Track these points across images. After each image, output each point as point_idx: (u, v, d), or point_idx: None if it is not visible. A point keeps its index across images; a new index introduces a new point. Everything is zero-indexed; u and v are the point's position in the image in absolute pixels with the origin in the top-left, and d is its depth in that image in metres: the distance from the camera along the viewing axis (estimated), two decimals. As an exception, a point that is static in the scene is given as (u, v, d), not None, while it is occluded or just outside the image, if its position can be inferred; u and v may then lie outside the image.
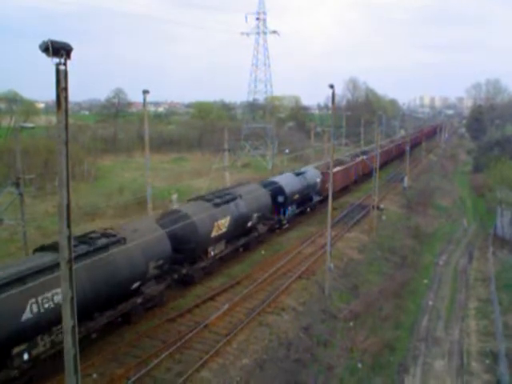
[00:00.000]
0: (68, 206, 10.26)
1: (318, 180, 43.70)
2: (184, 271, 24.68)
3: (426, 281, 34.99)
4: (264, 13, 79.08)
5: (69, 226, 10.35)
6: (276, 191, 35.75)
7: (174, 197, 40.83)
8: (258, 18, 78.73)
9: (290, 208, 38.25)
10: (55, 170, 10.39)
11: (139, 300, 20.96)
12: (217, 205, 27.43)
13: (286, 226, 38.07)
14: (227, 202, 28.64)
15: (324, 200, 43.87)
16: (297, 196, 38.88)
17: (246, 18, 78.04)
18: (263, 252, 32.71)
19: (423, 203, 55.20)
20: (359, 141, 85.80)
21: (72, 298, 10.70)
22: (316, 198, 44.24)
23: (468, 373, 23.16)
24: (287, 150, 61.09)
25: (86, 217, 37.17)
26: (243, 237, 31.19)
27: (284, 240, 35.87)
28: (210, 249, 26.92)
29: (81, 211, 36.11)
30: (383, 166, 64.08)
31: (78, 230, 27.48)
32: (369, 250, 36.64)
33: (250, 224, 31.07)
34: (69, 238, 10.39)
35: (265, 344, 20.93)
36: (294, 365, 20.12)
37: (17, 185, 24.25)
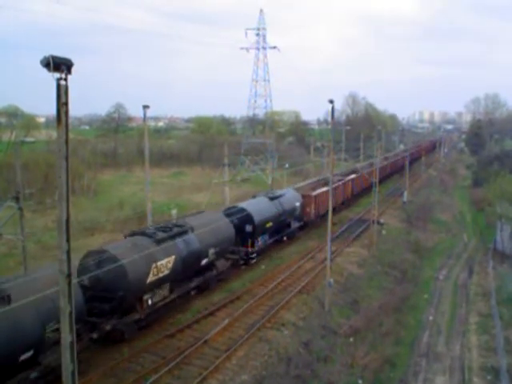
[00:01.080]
0: (67, 220, 10.25)
1: (298, 204, 39.26)
2: (108, 327, 19.91)
3: (426, 296, 34.84)
4: (264, 28, 79.84)
5: (68, 241, 10.33)
6: (243, 220, 31.11)
7: (174, 212, 40.83)
8: (257, 34, 79.45)
9: (260, 238, 33.51)
10: (55, 184, 10.40)
11: None
12: (159, 241, 22.58)
13: (255, 260, 33.11)
14: (173, 237, 23.80)
15: (305, 226, 41.66)
16: (270, 224, 34.16)
17: (246, 33, 78.87)
18: (263, 267, 32.62)
19: (423, 218, 55.15)
20: (359, 156, 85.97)
21: (71, 313, 10.64)
22: (295, 225, 39.62)
23: (469, 389, 22.97)
24: (287, 165, 61.10)
25: (85, 232, 37.13)
26: (197, 277, 26.25)
27: (284, 255, 35.78)
28: (146, 297, 21.95)
29: (80, 226, 36.06)
30: (381, 181, 64.30)
31: (77, 245, 27.43)
32: (369, 265, 36.55)
33: (204, 262, 26.18)
34: (68, 252, 10.36)
35: (264, 360, 20.78)
36: (294, 381, 19.95)
37: (16, 199, 24.22)
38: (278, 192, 38.18)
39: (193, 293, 26.35)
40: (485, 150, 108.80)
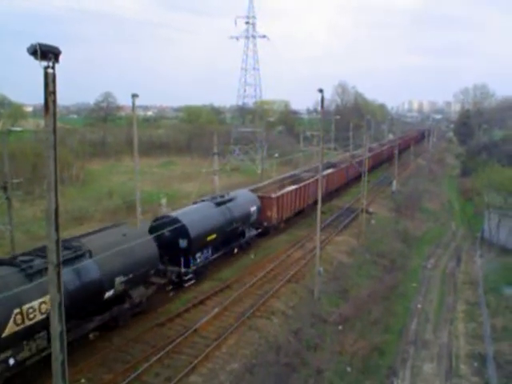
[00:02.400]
0: (56, 210, 10.21)
1: (254, 208, 33.45)
2: None
3: (414, 284, 35.11)
4: (253, 17, 79.27)
5: (57, 230, 10.30)
6: (175, 233, 24.99)
7: (164, 201, 40.77)
8: (247, 22, 78.87)
9: (199, 254, 27.47)
10: (43, 174, 10.33)
11: None
12: (31, 275, 16.24)
13: (192, 281, 26.64)
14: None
15: (265, 233, 36.58)
16: (213, 236, 28.23)
17: (236, 22, 78.21)
18: (253, 256, 32.69)
19: (412, 207, 55.46)
20: (348, 145, 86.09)
21: (60, 303, 10.63)
22: (251, 233, 34.10)
23: (457, 375, 23.23)
24: (276, 155, 61.08)
25: (74, 221, 36.95)
26: (100, 314, 20.02)
27: (273, 244, 35.87)
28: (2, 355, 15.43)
29: (69, 215, 35.88)
30: (369, 171, 64.41)
31: (66, 235, 27.30)
32: (358, 254, 36.75)
33: (109, 294, 19.93)
34: (57, 242, 10.33)
35: (254, 348, 20.90)
36: (284, 369, 20.07)
37: (4, 189, 24.09)
38: (229, 195, 32.28)
39: (92, 336, 20.30)
40: (473, 140, 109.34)
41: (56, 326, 10.68)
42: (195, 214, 27.61)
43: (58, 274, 10.51)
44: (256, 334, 22.07)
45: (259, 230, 35.37)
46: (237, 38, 79.60)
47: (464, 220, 57.19)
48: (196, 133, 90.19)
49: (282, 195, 38.50)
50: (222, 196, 31.76)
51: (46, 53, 9.43)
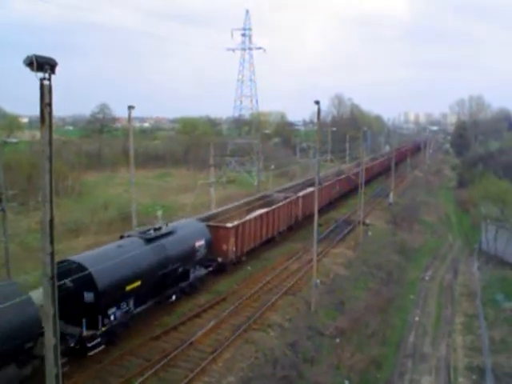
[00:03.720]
0: (51, 222, 10.11)
1: (201, 242, 26.94)
2: None
3: (412, 296, 34.99)
4: (249, 29, 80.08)
5: (52, 243, 10.19)
6: (78, 284, 18.55)
7: (159, 213, 40.58)
8: (243, 34, 79.60)
9: (114, 310, 20.67)
10: (38, 185, 10.25)
11: None
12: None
13: (101, 347, 19.48)
14: None
15: (221, 269, 30.26)
16: (138, 283, 21.49)
17: (232, 34, 78.83)
18: (249, 268, 32.54)
19: (409, 219, 55.42)
20: (345, 157, 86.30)
21: (54, 315, 10.50)
22: (199, 272, 27.42)
23: (455, 389, 23.09)
24: (273, 166, 61.08)
25: (69, 233, 36.75)
26: None
27: (270, 256, 35.73)
28: None
29: (64, 227, 35.70)
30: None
31: (61, 247, 27.11)
32: (355, 266, 36.62)
33: None
34: (51, 254, 10.22)
35: (251, 361, 20.70)
36: (280, 382, 19.85)
37: (-1, 200, 23.91)
38: (167, 227, 25.40)
39: None
40: (469, 152, 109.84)
41: (50, 339, 10.54)
42: (110, 257, 20.51)
43: (53, 286, 10.40)
44: (252, 346, 21.88)
45: (210, 269, 28.70)
46: (233, 50, 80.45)
47: (461, 232, 57.17)
48: (192, 144, 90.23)
49: (243, 224, 32.33)
50: (158, 229, 24.71)
51: (43, 64, 9.41)
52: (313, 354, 22.81)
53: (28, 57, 9.27)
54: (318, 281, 27.83)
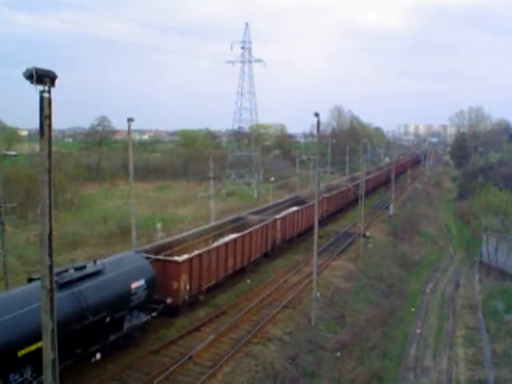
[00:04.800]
0: (50, 235, 10.03)
1: (139, 283, 21.23)
2: None
3: (413, 309, 34.81)
4: (249, 42, 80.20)
5: (50, 255, 10.11)
6: None
7: (159, 226, 40.57)
8: (243, 47, 79.75)
9: None
10: (37, 198, 10.19)
11: None
12: None
13: None
14: None
15: (172, 312, 24.81)
16: (38, 345, 13.80)
17: (232, 46, 79.11)
18: (248, 281, 32.39)
19: (409, 231, 55.37)
20: (344, 169, 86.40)
21: (52, 330, 10.38)
22: (136, 320, 21.71)
23: (457, 403, 22.89)
24: (272, 178, 61.15)
25: (68, 246, 36.64)
26: None
27: (269, 269, 35.57)
28: None
29: (63, 240, 35.61)
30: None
31: (60, 260, 26.99)
32: (355, 279, 36.45)
33: None
34: (50, 267, 10.13)
35: (251, 375, 20.49)
36: (281, 397, 19.69)
37: (-2, 213, 23.82)
38: (94, 266, 19.91)
39: None
40: (469, 163, 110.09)
41: (49, 354, 10.41)
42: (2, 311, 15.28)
43: (51, 299, 10.29)
44: (252, 360, 21.68)
45: (154, 314, 22.81)
46: (233, 63, 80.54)
47: (462, 243, 57.04)
48: (192, 157, 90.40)
49: (200, 256, 26.63)
50: (81, 268, 19.29)
51: (42, 77, 9.38)
52: (313, 368, 22.60)
53: (28, 69, 9.24)
54: (318, 294, 27.68)
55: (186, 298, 25.38)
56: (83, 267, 19.55)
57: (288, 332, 25.27)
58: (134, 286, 21.27)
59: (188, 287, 25.28)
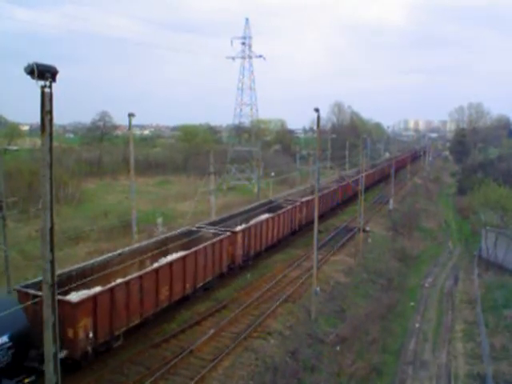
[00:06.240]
0: (51, 229, 10.13)
1: (2, 340, 15.79)
2: None
3: (412, 303, 34.93)
4: (249, 37, 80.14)
5: (52, 250, 10.20)
6: None
7: (160, 220, 40.65)
8: (243, 43, 79.73)
9: None
10: (39, 193, 10.27)
11: None
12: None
13: None
14: None
15: (73, 368, 18.42)
16: None
17: (232, 42, 79.04)
18: (249, 276, 32.48)
19: (409, 226, 55.43)
20: (344, 164, 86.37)
21: (54, 324, 10.49)
22: None
23: (456, 396, 23.02)
24: (273, 174, 61.16)
25: (69, 241, 36.72)
26: None
27: (269, 263, 35.65)
28: None
29: (64, 235, 35.68)
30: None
31: (61, 255, 27.14)
32: (355, 273, 36.56)
33: None
34: (52, 262, 10.22)
35: (251, 369, 20.64)
36: (281, 390, 19.83)
37: (-1, 208, 23.91)
38: None
39: None
40: (469, 159, 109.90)
41: (50, 348, 10.53)
42: None
43: (53, 293, 10.40)
44: (253, 354, 21.81)
45: (32, 378, 16.66)
46: (233, 58, 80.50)
47: (461, 239, 57.11)
48: (192, 152, 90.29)
49: (110, 290, 19.83)
50: None
51: (43, 72, 9.46)
52: (313, 362, 22.74)
53: (29, 65, 9.32)
54: (318, 288, 27.78)
55: (89, 349, 18.76)
56: None
57: (288, 326, 25.40)
58: None
59: (91, 335, 18.77)
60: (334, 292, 31.87)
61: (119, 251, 25.12)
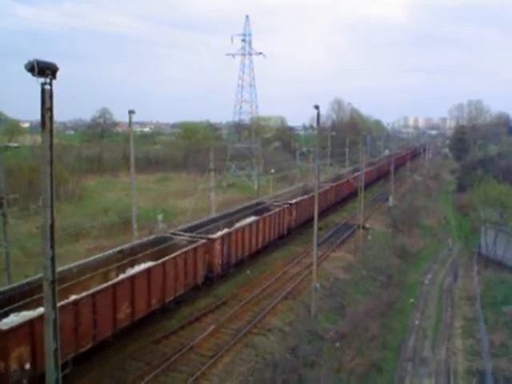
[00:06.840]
0: (52, 226, 10.16)
1: None
2: None
3: (412, 300, 35.00)
4: (249, 34, 79.96)
5: (52, 247, 10.24)
6: None
7: (160, 217, 40.70)
8: (243, 40, 79.56)
9: None
10: (39, 190, 10.30)
11: None
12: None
13: None
14: None
15: None
16: None
17: (232, 39, 78.93)
18: (249, 272, 32.53)
19: (408, 223, 55.48)
20: (344, 161, 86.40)
21: (55, 320, 10.54)
22: None
23: (455, 393, 23.09)
24: (273, 170, 61.16)
25: (69, 238, 36.77)
26: None
27: (269, 260, 35.70)
28: None
29: (65, 232, 35.74)
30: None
31: (62, 252, 27.17)
32: (355, 270, 36.62)
33: None
34: (52, 258, 10.26)
35: (251, 365, 20.71)
36: (281, 386, 19.89)
37: (0, 205, 23.97)
38: None
39: None
40: (469, 156, 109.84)
41: (51, 344, 10.57)
42: None
43: (54, 290, 10.44)
44: (252, 351, 21.88)
45: None
46: (233, 56, 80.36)
47: (461, 236, 57.15)
48: (192, 149, 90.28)
49: (40, 318, 14.74)
50: None
51: (44, 69, 9.47)
52: (313, 358, 22.81)
53: (29, 62, 9.33)
54: (318, 285, 27.83)
55: (25, 383, 15.71)
56: None
57: (288, 322, 25.47)
58: None
59: (28, 366, 15.78)
60: (333, 288, 31.93)
61: (78, 262, 21.93)
